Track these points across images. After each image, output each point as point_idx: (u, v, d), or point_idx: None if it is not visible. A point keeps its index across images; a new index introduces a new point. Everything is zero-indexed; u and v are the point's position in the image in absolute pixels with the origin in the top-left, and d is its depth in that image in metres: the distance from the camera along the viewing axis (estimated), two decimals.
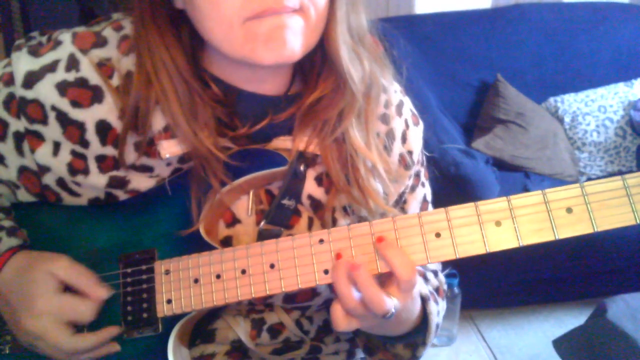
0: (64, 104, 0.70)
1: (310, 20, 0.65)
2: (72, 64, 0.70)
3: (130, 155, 0.72)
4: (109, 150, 0.72)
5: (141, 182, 0.74)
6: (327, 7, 0.67)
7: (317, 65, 0.74)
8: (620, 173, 2.49)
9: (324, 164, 0.77)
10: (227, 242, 0.77)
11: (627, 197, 0.61)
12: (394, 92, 0.84)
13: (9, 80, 0.72)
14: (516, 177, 2.39)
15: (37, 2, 2.23)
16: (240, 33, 0.63)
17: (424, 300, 0.78)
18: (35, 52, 0.71)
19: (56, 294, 0.69)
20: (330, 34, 0.69)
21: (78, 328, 0.72)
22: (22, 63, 0.71)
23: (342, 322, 0.67)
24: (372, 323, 0.69)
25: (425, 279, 0.88)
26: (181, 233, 0.73)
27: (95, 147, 0.71)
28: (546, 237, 0.62)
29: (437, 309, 0.81)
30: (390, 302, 0.64)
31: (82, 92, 0.70)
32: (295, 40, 0.64)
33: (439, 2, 2.76)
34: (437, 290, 0.87)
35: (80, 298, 0.71)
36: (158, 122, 0.70)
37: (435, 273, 0.92)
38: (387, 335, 0.78)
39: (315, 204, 0.79)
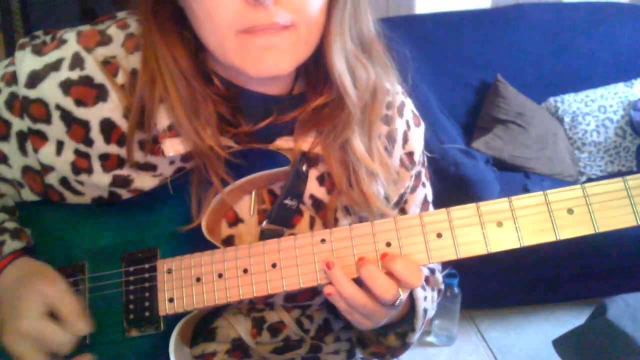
0: (68, 103, 0.70)
1: (302, 35, 0.65)
2: (77, 62, 0.70)
3: (136, 154, 0.72)
4: (113, 149, 0.72)
5: (144, 181, 0.74)
6: (322, 20, 0.67)
7: (321, 70, 0.74)
8: (620, 173, 2.49)
9: (326, 165, 0.78)
10: (229, 241, 0.78)
11: (628, 198, 0.61)
12: (396, 93, 0.85)
13: (11, 79, 0.72)
14: (516, 177, 2.39)
15: (37, 2, 2.23)
16: (232, 44, 0.63)
17: None
18: (39, 51, 0.71)
19: (41, 319, 0.67)
20: (326, 48, 0.69)
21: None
22: (26, 62, 0.71)
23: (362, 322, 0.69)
24: (382, 316, 0.70)
25: None
26: (181, 229, 0.74)
27: (99, 146, 0.72)
28: (547, 237, 0.63)
29: (425, 295, 0.81)
30: (397, 291, 0.65)
31: (87, 91, 0.70)
32: (284, 58, 0.65)
33: (439, 2, 2.75)
34: (425, 280, 0.88)
35: (60, 329, 0.68)
36: (162, 120, 0.70)
37: (432, 271, 0.92)
38: (378, 325, 0.78)
39: (317, 204, 0.79)
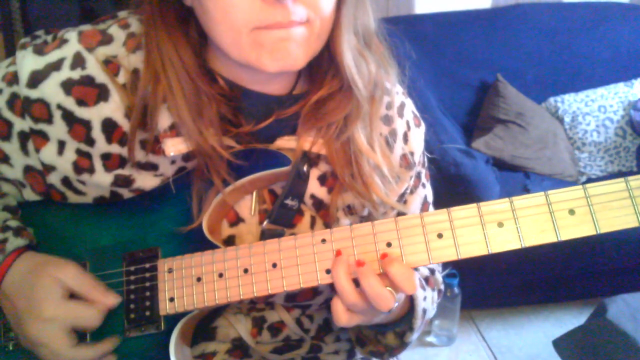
0: (69, 103, 0.70)
1: (315, 30, 0.66)
2: (78, 62, 0.70)
3: (137, 153, 0.72)
4: (115, 148, 0.72)
5: (146, 181, 0.74)
6: (333, 15, 0.68)
7: (324, 64, 0.74)
8: (620, 173, 2.49)
9: (329, 161, 0.78)
10: (230, 241, 0.78)
11: (630, 199, 0.61)
12: (396, 93, 0.85)
13: (12, 79, 0.72)
14: (516, 177, 2.39)
15: (37, 2, 2.22)
16: (247, 40, 0.64)
17: None
18: (40, 51, 0.72)
19: (63, 301, 0.69)
20: (336, 41, 0.70)
21: (80, 336, 0.72)
22: (27, 62, 0.71)
23: (343, 316, 0.68)
24: (372, 317, 0.70)
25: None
26: (182, 230, 0.74)
27: (101, 145, 0.72)
28: (548, 238, 0.62)
29: (424, 295, 0.81)
30: (394, 299, 0.65)
31: (88, 91, 0.70)
32: (299, 51, 0.65)
33: (439, 2, 2.75)
34: (426, 280, 0.88)
35: (86, 305, 0.71)
36: (164, 120, 0.71)
37: (432, 271, 0.92)
38: (376, 323, 0.78)
39: (318, 204, 0.80)
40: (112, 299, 0.72)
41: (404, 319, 0.80)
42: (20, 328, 0.70)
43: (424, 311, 0.81)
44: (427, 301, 0.82)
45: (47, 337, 0.68)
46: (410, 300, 0.79)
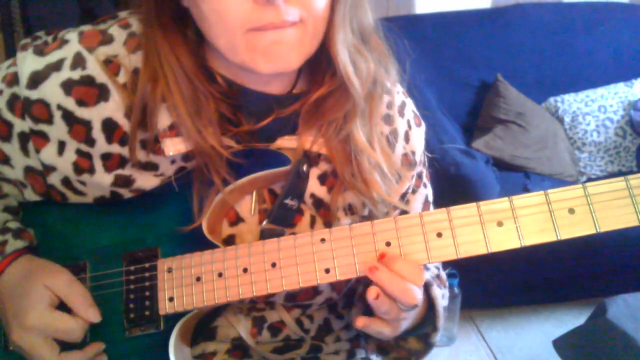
0: (69, 103, 0.70)
1: (309, 30, 0.66)
2: (78, 62, 0.70)
3: (138, 153, 0.72)
4: (115, 148, 0.72)
5: (146, 181, 0.74)
6: (327, 14, 0.67)
7: (323, 63, 0.74)
8: (620, 173, 2.49)
9: (329, 160, 0.78)
10: (230, 241, 0.78)
11: (630, 197, 0.61)
12: (397, 93, 0.85)
13: (12, 80, 0.72)
14: (516, 177, 2.39)
15: (37, 2, 2.23)
16: (242, 42, 0.64)
17: (427, 285, 0.79)
18: (40, 52, 0.72)
19: (48, 310, 0.69)
20: (331, 39, 0.69)
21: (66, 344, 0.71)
22: (27, 63, 0.71)
23: (386, 330, 0.70)
24: (403, 319, 0.71)
25: (425, 268, 0.88)
26: (183, 229, 0.74)
27: (101, 145, 0.72)
28: (548, 237, 0.62)
29: (442, 293, 0.81)
30: (417, 291, 0.65)
31: (88, 91, 0.70)
32: (293, 53, 0.65)
33: (439, 2, 2.75)
34: (438, 277, 0.87)
35: (71, 317, 0.70)
36: (164, 119, 0.71)
37: (437, 269, 0.93)
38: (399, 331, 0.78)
39: (318, 203, 0.80)
40: (92, 315, 0.71)
41: (425, 322, 0.80)
42: (9, 333, 0.70)
43: (444, 309, 0.81)
44: (445, 299, 0.83)
45: (30, 346, 0.68)
46: (428, 301, 0.79)
